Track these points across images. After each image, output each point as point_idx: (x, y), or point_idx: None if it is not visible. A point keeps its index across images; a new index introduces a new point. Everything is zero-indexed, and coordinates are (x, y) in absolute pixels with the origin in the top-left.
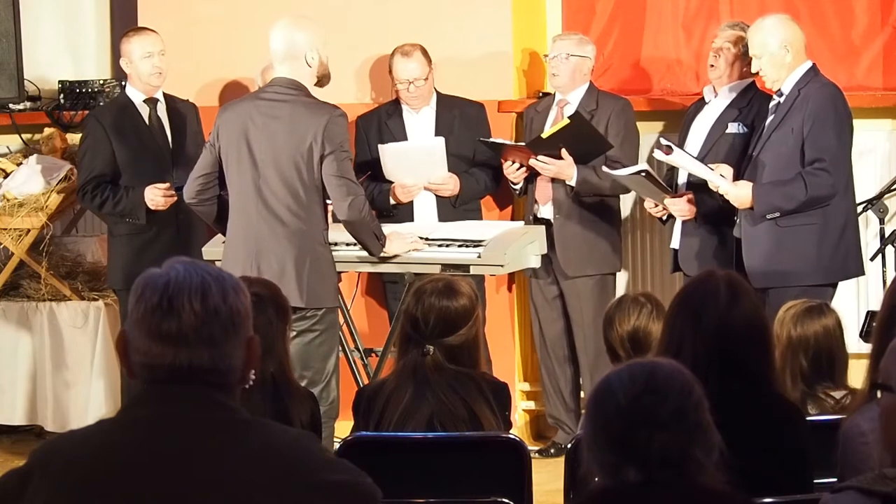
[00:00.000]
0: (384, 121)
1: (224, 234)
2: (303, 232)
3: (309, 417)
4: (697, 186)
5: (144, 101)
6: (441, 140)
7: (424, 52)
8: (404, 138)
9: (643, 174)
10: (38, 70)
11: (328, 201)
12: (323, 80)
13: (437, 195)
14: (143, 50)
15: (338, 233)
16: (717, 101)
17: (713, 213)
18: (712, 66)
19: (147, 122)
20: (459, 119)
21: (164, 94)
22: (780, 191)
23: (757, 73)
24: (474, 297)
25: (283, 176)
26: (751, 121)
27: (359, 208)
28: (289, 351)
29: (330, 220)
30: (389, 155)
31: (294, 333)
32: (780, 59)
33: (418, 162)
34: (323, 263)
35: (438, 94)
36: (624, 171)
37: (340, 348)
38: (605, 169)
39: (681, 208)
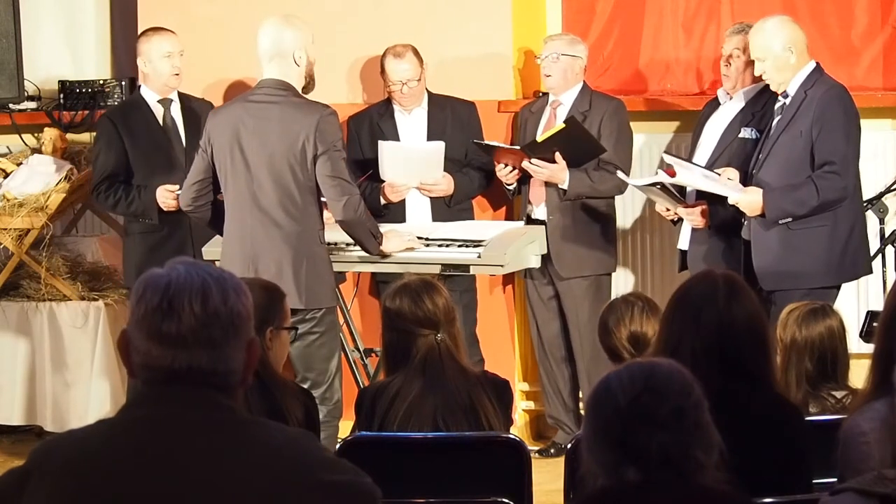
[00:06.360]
0: (376, 121)
1: (221, 235)
2: (298, 233)
3: (304, 414)
4: (710, 196)
5: (159, 101)
6: (441, 144)
7: (416, 53)
8: (396, 139)
9: (658, 186)
10: (38, 70)
11: (322, 198)
12: (309, 86)
13: (429, 196)
14: (162, 50)
15: (339, 233)
16: (732, 103)
17: (726, 223)
18: (725, 75)
19: (161, 122)
20: (451, 119)
21: (180, 94)
22: (792, 196)
23: None
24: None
25: (277, 178)
26: (764, 126)
27: (354, 207)
28: (267, 347)
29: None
30: (388, 152)
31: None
32: (785, 62)
33: (415, 163)
34: (320, 263)
35: (430, 94)
36: (640, 182)
37: (341, 348)
38: (619, 175)
39: (695, 218)
